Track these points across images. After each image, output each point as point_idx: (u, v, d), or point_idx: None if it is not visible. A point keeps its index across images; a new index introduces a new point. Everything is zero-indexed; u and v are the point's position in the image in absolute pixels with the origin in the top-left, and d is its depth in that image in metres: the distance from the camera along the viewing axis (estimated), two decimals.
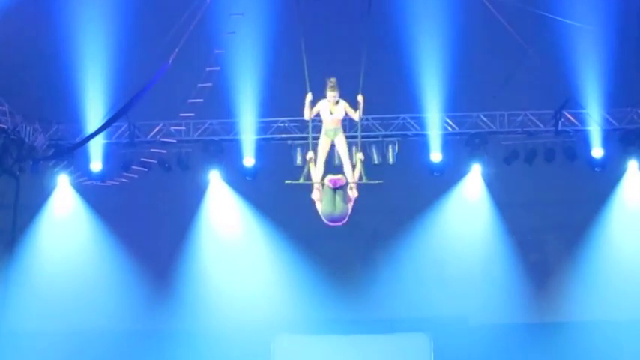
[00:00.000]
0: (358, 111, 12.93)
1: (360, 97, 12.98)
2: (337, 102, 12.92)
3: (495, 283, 20.30)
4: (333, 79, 12.90)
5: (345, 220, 12.53)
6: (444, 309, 20.26)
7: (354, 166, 12.77)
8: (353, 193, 12.56)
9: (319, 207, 12.52)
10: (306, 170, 12.68)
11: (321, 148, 12.88)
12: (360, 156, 12.94)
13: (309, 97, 12.96)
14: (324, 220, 12.51)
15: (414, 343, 20.45)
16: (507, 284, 20.28)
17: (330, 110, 12.89)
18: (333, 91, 12.84)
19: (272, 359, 20.58)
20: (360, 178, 12.64)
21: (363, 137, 13.74)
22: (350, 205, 12.50)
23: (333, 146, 13.01)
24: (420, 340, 20.39)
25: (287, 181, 12.74)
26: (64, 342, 20.23)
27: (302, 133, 19.28)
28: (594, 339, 19.68)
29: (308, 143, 18.28)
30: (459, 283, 20.28)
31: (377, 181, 12.59)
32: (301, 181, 12.65)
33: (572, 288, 20.21)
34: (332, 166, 13.26)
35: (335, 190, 12.36)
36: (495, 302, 20.24)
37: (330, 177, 12.41)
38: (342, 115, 12.93)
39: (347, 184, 12.43)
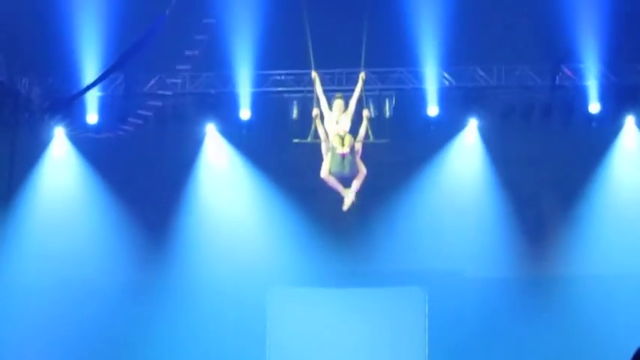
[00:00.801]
0: (363, 126, 13.00)
1: (365, 112, 13.06)
2: (343, 112, 12.97)
3: (491, 237, 20.25)
4: (339, 94, 13.18)
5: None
6: (439, 262, 20.25)
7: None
8: (361, 166, 12.68)
9: (327, 162, 12.59)
10: (313, 128, 12.69)
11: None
12: (366, 113, 12.97)
13: (314, 74, 13.04)
14: (333, 175, 12.59)
15: (409, 296, 20.52)
16: (503, 238, 20.23)
17: (337, 120, 12.88)
18: (340, 101, 12.91)
19: (267, 311, 20.65)
20: (367, 137, 12.67)
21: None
22: (358, 168, 12.62)
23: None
24: (414, 294, 20.46)
25: (295, 140, 12.74)
26: (60, 294, 20.20)
27: (299, 87, 19.21)
28: (590, 293, 19.71)
29: (305, 97, 18.46)
30: (455, 236, 20.23)
31: (383, 140, 12.64)
32: (309, 140, 12.67)
33: (568, 242, 20.23)
34: None
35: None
36: (491, 256, 20.21)
37: (337, 143, 12.44)
38: (347, 126, 12.92)
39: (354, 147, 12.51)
